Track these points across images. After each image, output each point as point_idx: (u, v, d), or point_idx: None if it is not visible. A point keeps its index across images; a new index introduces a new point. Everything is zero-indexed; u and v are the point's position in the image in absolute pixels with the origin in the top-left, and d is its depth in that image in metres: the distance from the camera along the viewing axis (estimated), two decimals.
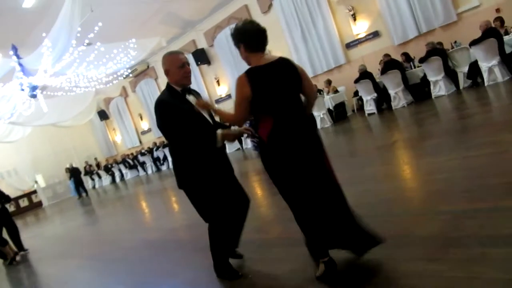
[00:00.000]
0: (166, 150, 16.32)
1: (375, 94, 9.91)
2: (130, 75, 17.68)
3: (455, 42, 9.21)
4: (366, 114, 10.09)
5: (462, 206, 2.86)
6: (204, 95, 16.52)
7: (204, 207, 2.93)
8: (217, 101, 16.38)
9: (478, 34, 7.91)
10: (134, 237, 5.72)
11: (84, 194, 17.24)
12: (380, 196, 3.75)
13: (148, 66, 18.51)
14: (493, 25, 8.06)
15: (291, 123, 2.43)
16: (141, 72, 18.71)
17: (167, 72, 2.87)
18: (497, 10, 9.05)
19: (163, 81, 18.14)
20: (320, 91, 11.54)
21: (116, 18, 11.52)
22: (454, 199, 3.03)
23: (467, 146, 4.39)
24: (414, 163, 4.71)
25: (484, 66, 7.88)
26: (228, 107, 15.75)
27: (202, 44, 15.83)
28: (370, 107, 10.03)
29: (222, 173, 2.92)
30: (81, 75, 12.68)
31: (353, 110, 11.78)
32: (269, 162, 2.48)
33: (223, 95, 16.08)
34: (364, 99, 10.17)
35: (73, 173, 17.78)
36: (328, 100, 10.97)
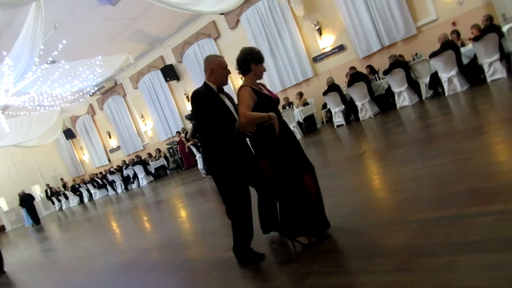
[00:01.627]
0: (136, 168, 16.00)
1: (343, 106, 10.14)
2: (97, 92, 17.34)
3: (416, 54, 9.61)
4: (335, 126, 10.28)
5: (430, 214, 2.94)
6: (173, 110, 16.41)
7: (229, 191, 3.22)
8: (188, 117, 16.26)
9: (437, 46, 8.28)
10: (104, 260, 5.52)
11: (34, 225, 15.55)
12: (351, 207, 3.80)
13: (115, 83, 18.22)
14: (450, 38, 8.47)
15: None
16: (108, 89, 18.39)
17: (211, 71, 3.28)
18: (453, 24, 9.53)
19: (131, 97, 17.95)
20: (290, 104, 11.69)
21: (82, 35, 11.32)
22: (422, 208, 3.11)
23: (432, 155, 4.54)
24: (383, 173, 4.82)
25: (444, 76, 8.24)
26: None
27: (170, 60, 15.76)
28: (338, 118, 10.24)
29: (246, 161, 3.25)
30: (45, 93, 12.33)
31: (323, 122, 11.99)
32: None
33: None
34: (333, 111, 10.38)
35: (25, 200, 16.23)
36: (298, 113, 11.12)
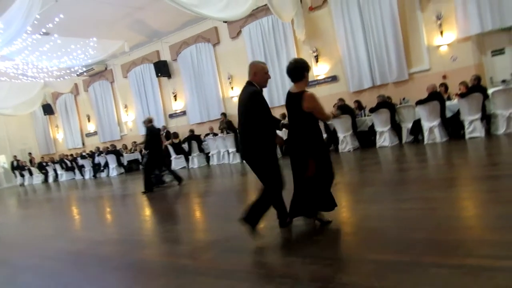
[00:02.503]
0: (109, 157, 15.65)
1: (325, 135, 10.24)
2: (85, 73, 17.04)
3: (404, 98, 9.84)
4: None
5: (388, 257, 2.95)
6: (158, 106, 16.24)
7: (265, 173, 3.80)
8: (171, 116, 16.13)
9: (424, 94, 8.50)
10: (53, 245, 5.32)
11: None
12: (310, 235, 3.79)
13: (106, 68, 17.95)
14: (438, 89, 8.72)
15: None
16: (97, 73, 18.08)
17: (255, 74, 3.82)
18: (444, 77, 9.83)
19: (119, 85, 17.70)
20: None
21: (81, 13, 11.12)
22: (382, 249, 3.12)
23: (400, 198, 4.60)
24: (352, 207, 4.84)
25: (426, 125, 8.44)
26: (182, 123, 15.54)
27: (165, 56, 15.66)
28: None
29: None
30: (31, 64, 12.02)
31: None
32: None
33: (178, 111, 15.87)
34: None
35: None
36: (280, 134, 11.13)
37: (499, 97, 7.77)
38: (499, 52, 9.60)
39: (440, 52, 9.98)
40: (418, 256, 2.82)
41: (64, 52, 11.22)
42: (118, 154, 15.70)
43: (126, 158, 15.70)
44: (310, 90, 12.65)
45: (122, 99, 17.92)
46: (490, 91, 8.14)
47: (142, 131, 16.67)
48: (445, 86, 9.17)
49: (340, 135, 9.83)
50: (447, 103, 8.63)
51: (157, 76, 15.60)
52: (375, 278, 2.59)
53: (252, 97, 3.76)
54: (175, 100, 15.87)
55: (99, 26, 12.59)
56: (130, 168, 15.93)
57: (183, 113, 15.68)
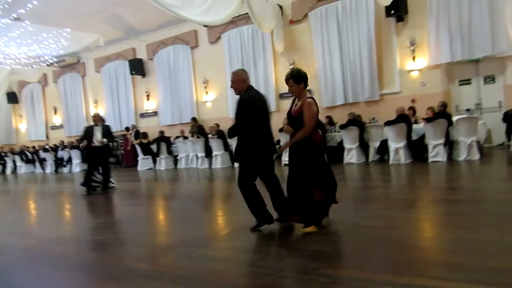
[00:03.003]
0: (73, 152, 15.16)
1: None
2: (55, 64, 16.50)
3: (373, 118, 10.09)
4: (283, 164, 10.39)
5: (343, 272, 2.97)
6: (130, 105, 15.92)
7: (244, 173, 4.14)
8: (142, 115, 15.84)
9: (393, 116, 8.75)
10: (4, 241, 5.04)
11: None
12: (271, 247, 3.77)
13: (78, 61, 17.47)
14: (406, 112, 8.99)
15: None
16: (68, 65, 17.57)
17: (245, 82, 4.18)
18: (413, 101, 10.16)
19: (90, 79, 17.25)
20: None
21: (56, 1, 10.80)
22: (338, 264, 3.14)
23: (362, 215, 4.67)
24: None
25: (392, 145, 8.66)
26: (152, 124, 15.27)
27: (141, 54, 15.42)
28: (287, 158, 10.36)
29: (268, 157, 4.32)
30: None
31: (276, 157, 12.07)
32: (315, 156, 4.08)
33: (150, 111, 15.61)
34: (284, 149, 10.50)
35: None
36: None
37: (463, 125, 8.10)
38: (466, 82, 10.05)
39: (411, 77, 10.33)
40: (372, 273, 2.85)
41: (34, 40, 10.82)
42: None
43: None
44: (284, 101, 12.73)
45: (92, 93, 17.45)
46: (454, 118, 8.48)
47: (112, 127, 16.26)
48: (413, 109, 9.48)
49: None
50: (414, 126, 8.90)
51: (131, 73, 15.32)
52: None
53: (244, 104, 4.12)
54: (148, 99, 15.61)
55: (74, 17, 12.26)
56: None
57: (155, 113, 15.43)
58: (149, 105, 15.62)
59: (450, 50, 9.57)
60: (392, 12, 9.90)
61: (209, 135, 11.86)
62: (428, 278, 2.66)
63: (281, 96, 12.40)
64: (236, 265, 3.43)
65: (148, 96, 15.57)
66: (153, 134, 13.89)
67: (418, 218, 4.49)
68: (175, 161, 12.92)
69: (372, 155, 9.40)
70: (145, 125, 15.48)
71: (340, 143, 9.82)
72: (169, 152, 12.90)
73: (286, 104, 12.23)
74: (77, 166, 15.06)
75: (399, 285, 2.58)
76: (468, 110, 9.38)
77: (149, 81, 15.46)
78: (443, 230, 3.89)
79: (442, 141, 8.14)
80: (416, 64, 10.18)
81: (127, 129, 14.88)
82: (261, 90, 12.37)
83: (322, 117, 10.76)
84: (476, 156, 7.94)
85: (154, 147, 12.97)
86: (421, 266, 2.94)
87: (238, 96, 4.18)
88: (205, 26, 12.64)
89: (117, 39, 15.35)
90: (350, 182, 7.59)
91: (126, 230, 5.25)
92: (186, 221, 5.32)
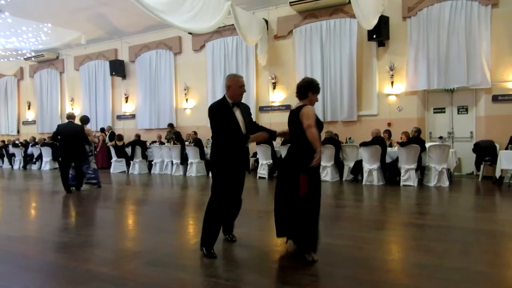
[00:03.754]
0: (44, 149, 14.71)
1: (271, 161, 10.36)
2: (33, 58, 16.09)
3: (350, 138, 10.25)
4: (258, 177, 10.40)
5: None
6: (107, 106, 15.64)
7: (215, 185, 3.78)
8: (120, 117, 15.58)
9: (369, 138, 8.92)
10: None
11: None
12: (237, 259, 3.74)
13: (57, 57, 17.08)
14: (382, 135, 9.19)
15: None
16: (47, 60, 17.15)
17: (228, 87, 3.79)
18: (389, 124, 10.40)
19: (68, 77, 16.90)
20: None
21: None
22: (303, 281, 3.13)
23: (332, 234, 4.69)
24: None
25: (366, 166, 8.81)
26: (129, 126, 15.02)
27: (124, 56, 15.23)
28: (263, 171, 10.40)
29: (237, 169, 3.83)
30: None
31: (252, 169, 12.04)
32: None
33: (127, 113, 15.37)
34: (260, 162, 10.54)
35: None
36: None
37: (435, 152, 8.33)
38: (440, 110, 10.37)
39: (389, 101, 10.59)
40: None
41: (13, 32, 10.54)
42: (54, 147, 14.77)
43: None
44: (264, 115, 12.80)
45: (69, 91, 17.06)
46: (427, 144, 8.71)
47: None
48: (389, 132, 9.69)
49: None
50: (388, 149, 9.09)
51: (111, 74, 15.07)
52: None
53: (209, 111, 3.80)
54: (126, 102, 15.38)
55: (57, 13, 12.03)
56: None
57: (132, 116, 15.21)
58: (127, 108, 15.38)
59: (427, 78, 9.88)
60: (374, 36, 10.16)
61: (186, 143, 11.76)
62: None
63: (261, 109, 12.46)
64: (200, 275, 3.39)
65: (127, 98, 15.34)
66: (129, 137, 13.65)
67: (386, 240, 4.55)
68: (150, 166, 12.72)
69: (346, 175, 9.52)
70: (121, 127, 15.21)
71: None
72: (144, 156, 12.70)
73: (265, 118, 12.35)
74: (47, 164, 14.61)
75: None
76: (440, 137, 9.67)
77: (129, 83, 15.26)
78: (410, 254, 3.96)
79: (414, 166, 8.34)
80: (394, 89, 10.46)
81: (102, 130, 14.58)
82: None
83: None
84: (446, 183, 8.16)
85: (129, 150, 12.73)
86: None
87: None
88: (190, 33, 12.62)
89: (99, 39, 15.13)
90: (322, 200, 7.62)
91: (92, 233, 5.10)
92: (155, 227, 5.22)
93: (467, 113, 10.05)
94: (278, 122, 11.85)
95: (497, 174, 8.25)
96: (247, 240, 4.51)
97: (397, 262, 3.78)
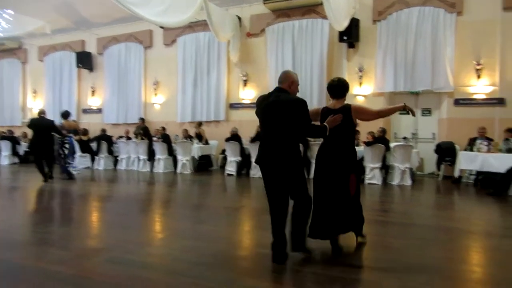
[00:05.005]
0: (2, 143, 13.99)
1: (239, 158, 10.33)
2: None
3: None
4: (226, 174, 10.35)
5: (264, 284, 2.96)
6: (72, 99, 15.16)
7: (302, 185, 3.52)
8: (85, 111, 15.11)
9: None
10: None
11: None
12: (202, 256, 3.68)
13: (20, 46, 16.33)
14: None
15: None
16: (8, 49, 16.37)
17: (292, 83, 3.79)
18: (356, 124, 10.56)
19: (31, 68, 16.21)
20: (190, 137, 11.53)
21: None
22: (261, 275, 3.14)
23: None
24: (252, 231, 4.86)
25: None
26: (95, 121, 14.59)
27: (91, 48, 14.76)
28: (231, 168, 10.35)
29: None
30: None
31: (221, 166, 11.98)
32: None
33: (94, 107, 14.92)
34: (228, 159, 10.49)
35: None
36: (196, 148, 11.02)
37: (399, 151, 8.56)
38: (406, 112, 10.64)
39: (357, 101, 10.77)
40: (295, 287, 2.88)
41: None
42: (14, 141, 14.14)
43: (23, 147, 14.14)
44: (234, 112, 12.75)
45: (32, 83, 16.38)
46: (392, 144, 8.95)
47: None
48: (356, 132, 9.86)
49: (253, 160, 9.96)
50: None
51: (78, 66, 14.58)
52: None
53: (304, 106, 3.59)
54: (93, 95, 14.93)
55: None
56: (26, 159, 14.32)
57: (99, 110, 14.78)
58: (93, 101, 14.93)
59: (393, 81, 10.15)
60: (345, 38, 10.32)
61: (154, 138, 11.54)
62: None
63: (232, 106, 12.41)
64: (162, 273, 3.32)
65: (93, 91, 14.88)
66: (94, 132, 13.26)
67: (348, 236, 4.62)
68: (115, 161, 12.39)
69: (312, 173, 9.62)
70: (86, 122, 14.74)
71: None
72: (110, 151, 12.35)
73: (235, 115, 12.32)
74: (6, 158, 13.93)
75: None
76: (405, 138, 9.95)
77: (96, 76, 14.81)
78: (369, 250, 4.04)
79: (379, 165, 8.54)
80: (362, 89, 10.66)
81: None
82: (212, 99, 12.51)
83: None
84: (408, 182, 8.41)
85: (94, 145, 12.36)
86: (342, 282, 3.04)
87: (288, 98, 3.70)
88: (162, 27, 12.39)
89: (65, 29, 14.57)
90: None
91: (50, 230, 4.91)
92: (118, 224, 5.09)
93: (430, 115, 10.39)
94: (248, 120, 11.85)
95: (456, 174, 8.58)
96: (213, 236, 4.47)
97: (357, 258, 3.83)
